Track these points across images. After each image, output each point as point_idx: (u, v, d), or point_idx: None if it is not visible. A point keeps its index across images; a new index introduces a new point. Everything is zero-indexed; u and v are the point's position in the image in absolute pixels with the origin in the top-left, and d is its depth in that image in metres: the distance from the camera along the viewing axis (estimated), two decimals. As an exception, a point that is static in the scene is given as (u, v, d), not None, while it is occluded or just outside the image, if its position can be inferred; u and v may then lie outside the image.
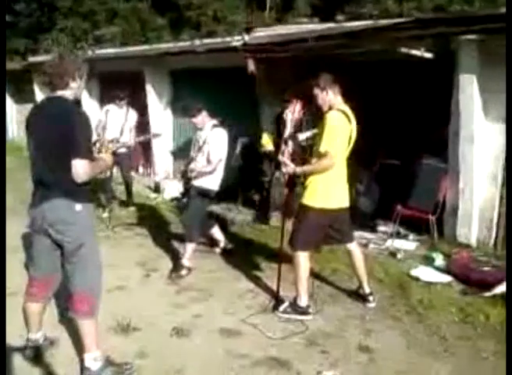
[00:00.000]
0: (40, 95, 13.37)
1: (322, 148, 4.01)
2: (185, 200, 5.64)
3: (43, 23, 26.84)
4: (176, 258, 5.58)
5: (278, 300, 4.50)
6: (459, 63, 5.74)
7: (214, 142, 5.10)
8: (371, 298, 4.57)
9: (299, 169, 4.33)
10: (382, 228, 6.75)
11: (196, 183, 5.19)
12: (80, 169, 2.99)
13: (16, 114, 17.13)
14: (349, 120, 4.10)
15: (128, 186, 8.06)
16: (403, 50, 5.44)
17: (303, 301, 4.30)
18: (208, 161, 5.12)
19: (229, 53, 7.68)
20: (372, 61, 6.45)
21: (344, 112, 4.09)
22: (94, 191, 7.50)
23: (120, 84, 8.45)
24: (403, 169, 6.65)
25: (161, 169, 10.44)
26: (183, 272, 5.15)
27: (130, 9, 27.84)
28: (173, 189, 8.48)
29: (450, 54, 5.84)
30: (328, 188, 4.16)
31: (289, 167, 4.37)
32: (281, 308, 4.36)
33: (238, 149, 7.60)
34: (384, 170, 6.94)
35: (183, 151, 9.73)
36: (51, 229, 3.11)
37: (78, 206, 3.10)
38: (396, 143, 6.90)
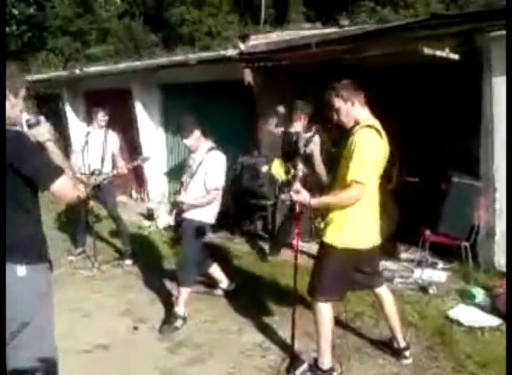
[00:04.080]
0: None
1: (350, 176, 3.12)
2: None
3: (33, 43, 26.39)
4: (169, 304, 4.72)
5: (293, 359, 3.65)
6: (490, 64, 4.93)
7: (210, 169, 4.28)
8: (407, 353, 3.73)
9: (314, 201, 3.33)
10: (404, 255, 5.95)
11: (189, 215, 4.33)
12: (64, 188, 2.31)
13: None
14: (381, 138, 3.25)
15: (119, 230, 6.33)
16: (427, 51, 4.62)
17: (325, 363, 3.45)
18: (205, 190, 4.31)
19: (225, 65, 6.90)
20: (388, 67, 5.68)
21: (375, 128, 3.24)
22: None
23: (107, 103, 7.64)
24: (427, 187, 5.82)
25: (154, 193, 9.58)
26: (178, 323, 4.30)
27: (123, 28, 27.39)
28: (167, 216, 7.61)
29: (475, 54, 5.08)
30: (358, 223, 3.26)
31: (301, 195, 3.35)
32: (298, 371, 3.51)
33: (237, 170, 6.78)
34: (403, 189, 6.10)
35: (177, 173, 8.93)
36: None
37: (21, 270, 2.22)
38: (416, 157, 6.11)
